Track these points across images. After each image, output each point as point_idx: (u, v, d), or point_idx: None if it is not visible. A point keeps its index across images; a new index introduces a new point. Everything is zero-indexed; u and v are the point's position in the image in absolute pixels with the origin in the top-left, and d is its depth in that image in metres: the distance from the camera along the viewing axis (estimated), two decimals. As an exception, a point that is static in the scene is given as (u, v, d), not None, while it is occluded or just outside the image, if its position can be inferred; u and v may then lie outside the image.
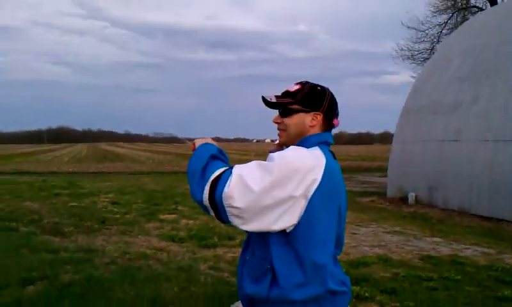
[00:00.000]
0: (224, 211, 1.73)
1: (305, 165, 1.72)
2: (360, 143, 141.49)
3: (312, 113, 1.91)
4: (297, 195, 1.69)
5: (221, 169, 1.78)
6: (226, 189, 1.70)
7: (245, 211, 1.70)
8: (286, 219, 1.71)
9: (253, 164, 1.77)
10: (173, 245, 7.48)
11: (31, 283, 5.17)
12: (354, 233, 8.62)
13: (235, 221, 1.74)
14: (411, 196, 13.48)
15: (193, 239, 7.79)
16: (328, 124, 1.95)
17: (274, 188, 1.68)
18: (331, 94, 1.96)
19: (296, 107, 1.92)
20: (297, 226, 1.73)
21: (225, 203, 1.70)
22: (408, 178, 14.12)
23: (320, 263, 1.77)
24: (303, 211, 1.72)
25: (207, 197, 1.75)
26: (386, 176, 16.19)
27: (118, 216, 10.08)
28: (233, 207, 1.70)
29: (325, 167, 1.76)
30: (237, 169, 1.75)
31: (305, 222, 1.73)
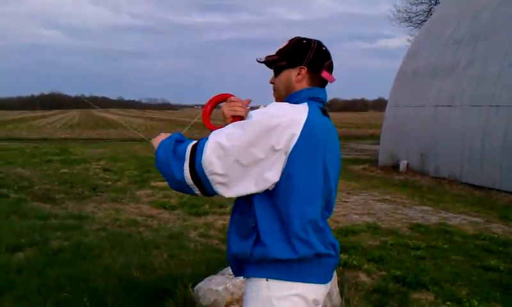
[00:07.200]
0: (208, 181, 1.68)
1: (283, 120, 1.66)
2: (355, 110, 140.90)
3: (298, 68, 1.83)
4: (278, 149, 1.64)
5: (194, 142, 1.74)
6: (203, 156, 1.65)
7: (226, 174, 1.66)
8: (267, 177, 1.67)
9: (229, 125, 1.73)
10: (164, 212, 7.50)
11: (20, 249, 5.15)
12: (345, 201, 8.65)
13: (220, 189, 1.70)
14: (403, 164, 13.46)
15: (184, 206, 7.79)
16: (317, 77, 1.85)
17: (253, 145, 1.64)
18: (318, 45, 1.86)
19: (282, 63, 1.87)
20: (278, 183, 1.69)
21: (206, 171, 1.66)
22: (400, 145, 13.99)
23: (302, 221, 1.70)
24: (283, 166, 1.67)
25: (188, 173, 1.70)
26: (379, 143, 16.15)
27: (109, 183, 10.07)
28: (214, 174, 1.66)
29: (305, 121, 1.69)
30: (212, 135, 1.71)
31: (285, 178, 1.68)
